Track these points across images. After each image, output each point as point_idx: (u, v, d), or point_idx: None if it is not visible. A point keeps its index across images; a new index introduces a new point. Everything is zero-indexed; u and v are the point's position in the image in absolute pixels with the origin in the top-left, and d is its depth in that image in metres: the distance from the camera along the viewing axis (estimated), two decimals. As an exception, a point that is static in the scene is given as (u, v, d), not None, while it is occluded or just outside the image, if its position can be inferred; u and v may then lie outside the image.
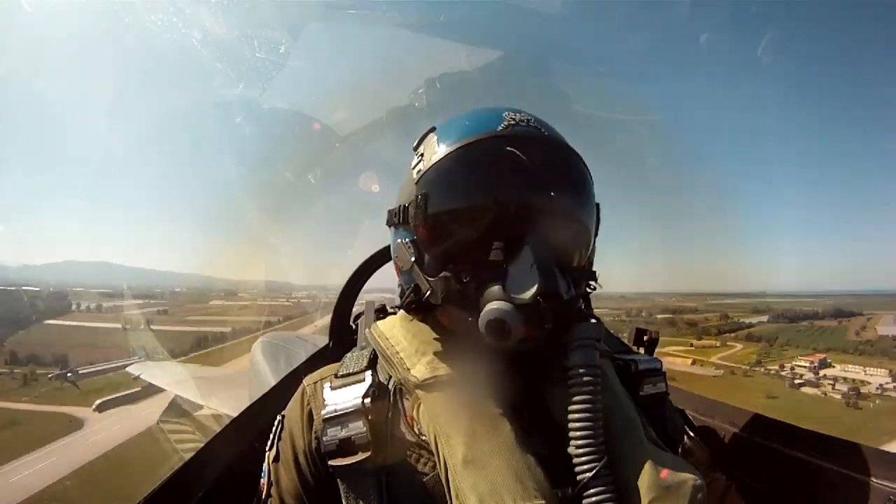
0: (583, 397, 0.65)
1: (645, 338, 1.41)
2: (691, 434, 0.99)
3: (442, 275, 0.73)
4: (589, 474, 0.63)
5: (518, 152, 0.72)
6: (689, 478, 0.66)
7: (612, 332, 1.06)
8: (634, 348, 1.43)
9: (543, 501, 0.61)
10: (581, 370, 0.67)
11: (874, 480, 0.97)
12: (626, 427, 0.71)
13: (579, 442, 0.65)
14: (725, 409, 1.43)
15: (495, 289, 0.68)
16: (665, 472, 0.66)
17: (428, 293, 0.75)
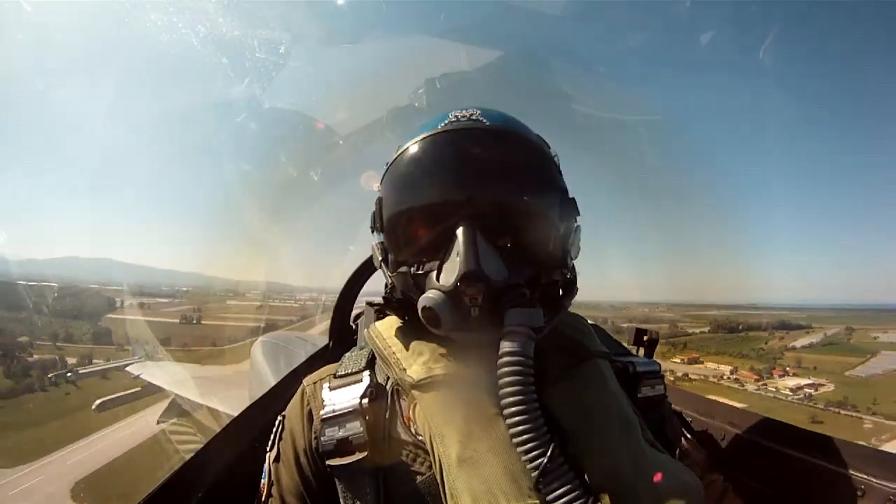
0: (510, 389, 0.63)
1: (645, 338, 1.42)
2: (688, 436, 0.99)
3: (399, 270, 0.78)
4: (537, 472, 0.61)
5: (453, 145, 0.76)
6: (687, 479, 0.66)
7: (610, 334, 1.06)
8: (633, 349, 1.43)
9: (537, 501, 0.61)
10: (505, 359, 0.64)
11: (874, 480, 0.97)
12: (624, 428, 0.71)
13: (518, 439, 0.62)
14: (724, 409, 1.43)
15: (431, 278, 0.72)
16: (662, 474, 0.65)
17: (391, 289, 0.81)
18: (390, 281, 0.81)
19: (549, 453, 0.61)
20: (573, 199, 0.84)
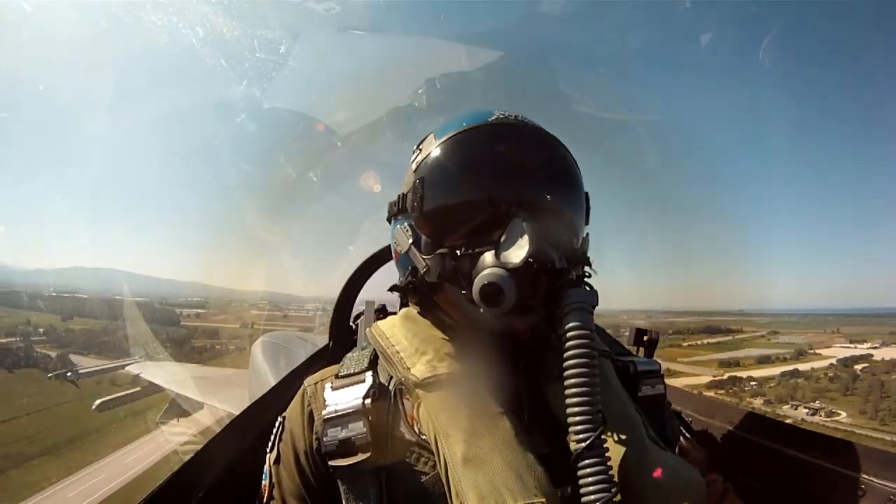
0: (577, 360, 0.64)
1: (645, 338, 1.42)
2: (688, 436, 1.00)
3: (437, 252, 0.76)
4: (583, 444, 0.61)
5: (508, 137, 0.78)
6: (689, 476, 0.67)
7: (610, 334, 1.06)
8: (634, 348, 1.44)
9: (543, 499, 0.61)
10: (574, 332, 0.65)
11: (874, 480, 0.97)
12: (626, 425, 0.72)
13: (574, 409, 0.63)
14: (725, 409, 1.44)
15: (488, 257, 0.71)
16: (664, 470, 0.66)
17: (424, 271, 0.78)
18: (422, 263, 0.79)
19: (598, 431, 0.61)
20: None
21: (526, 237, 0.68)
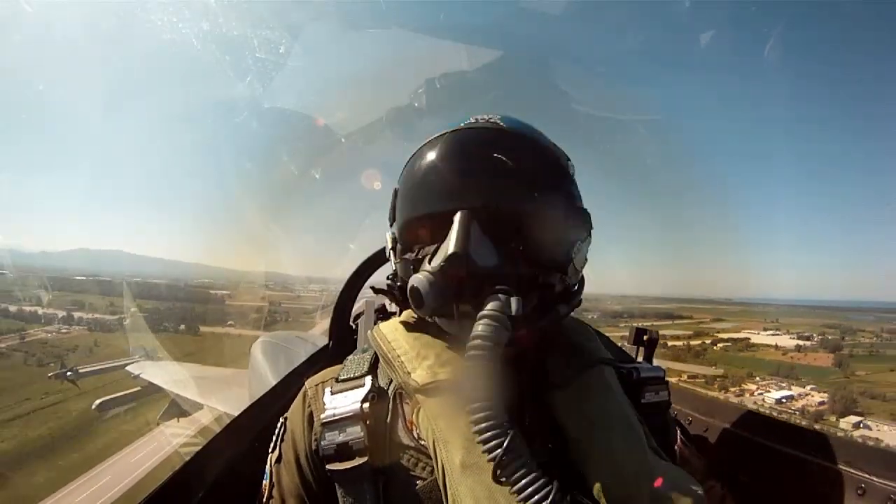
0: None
1: (645, 337, 1.42)
2: (688, 442, 1.00)
3: (403, 257, 0.81)
4: (499, 456, 0.59)
5: (462, 143, 0.79)
6: (689, 487, 0.67)
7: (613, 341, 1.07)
8: (634, 348, 1.43)
9: None
10: (473, 342, 0.62)
11: (874, 479, 0.98)
12: (628, 435, 0.71)
13: (476, 428, 0.60)
14: (725, 408, 1.43)
15: (425, 262, 0.75)
16: (665, 482, 0.66)
17: (394, 277, 0.84)
18: (393, 269, 0.85)
19: (505, 444, 0.59)
20: (585, 210, 0.85)
21: (450, 240, 0.69)
